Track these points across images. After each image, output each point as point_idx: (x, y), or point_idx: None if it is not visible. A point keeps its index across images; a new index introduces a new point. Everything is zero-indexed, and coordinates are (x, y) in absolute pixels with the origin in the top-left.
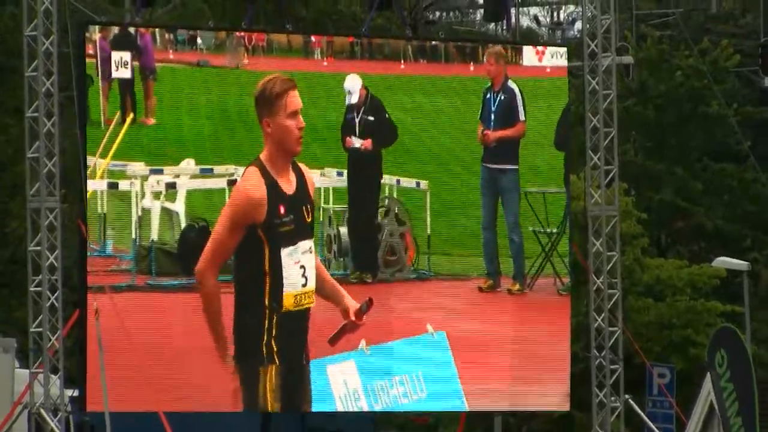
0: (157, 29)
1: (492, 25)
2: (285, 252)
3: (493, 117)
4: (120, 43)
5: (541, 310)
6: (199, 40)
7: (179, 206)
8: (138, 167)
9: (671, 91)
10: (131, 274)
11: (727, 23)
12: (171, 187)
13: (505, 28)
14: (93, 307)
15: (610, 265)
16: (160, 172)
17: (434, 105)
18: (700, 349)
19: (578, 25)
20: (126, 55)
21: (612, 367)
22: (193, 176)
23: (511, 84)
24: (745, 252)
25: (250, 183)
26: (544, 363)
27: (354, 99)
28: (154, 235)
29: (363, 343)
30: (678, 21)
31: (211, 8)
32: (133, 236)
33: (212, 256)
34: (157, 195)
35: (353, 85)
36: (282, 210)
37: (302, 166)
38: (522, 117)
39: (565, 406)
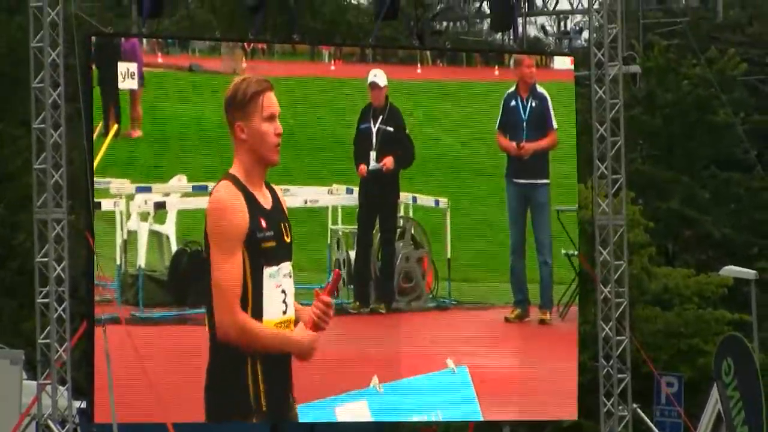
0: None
1: (499, 35)
2: (267, 273)
3: (525, 126)
4: (102, 47)
5: (566, 338)
6: (191, 42)
7: (169, 228)
8: (123, 185)
9: (678, 100)
10: (116, 304)
11: (734, 32)
12: (160, 206)
13: (512, 37)
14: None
15: (618, 274)
16: (148, 190)
17: (454, 113)
18: (708, 357)
19: (585, 34)
20: (133, 66)
21: (620, 376)
22: (185, 194)
23: (541, 89)
24: (753, 260)
25: (224, 194)
26: (553, 373)
27: (382, 81)
28: (142, 261)
29: (375, 379)
30: (685, 30)
31: (218, 19)
32: (118, 262)
33: (226, 301)
34: (144, 216)
35: (381, 77)
36: (263, 223)
37: (276, 187)
38: (554, 125)
39: (573, 416)
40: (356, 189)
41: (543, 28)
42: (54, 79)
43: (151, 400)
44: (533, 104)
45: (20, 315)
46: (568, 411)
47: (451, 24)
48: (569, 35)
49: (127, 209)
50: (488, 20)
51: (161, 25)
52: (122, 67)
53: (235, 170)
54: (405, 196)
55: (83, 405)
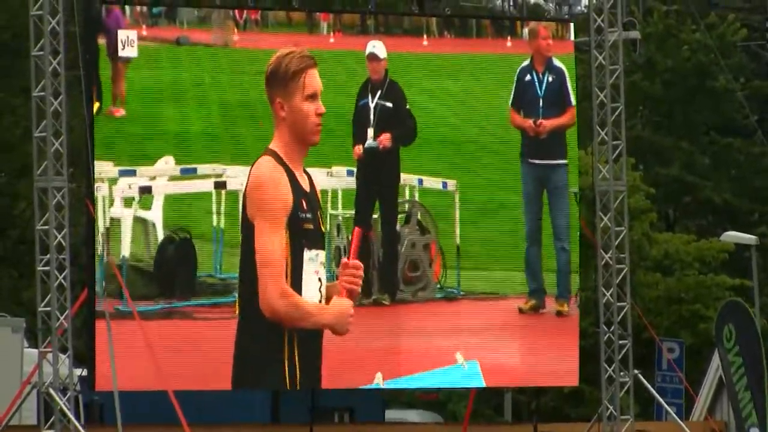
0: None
1: (499, 1)
2: (307, 256)
3: (542, 103)
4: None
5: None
6: (179, 13)
7: (156, 215)
8: (105, 168)
9: (678, 66)
10: (97, 297)
11: None
12: (145, 191)
13: (511, 3)
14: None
15: (618, 240)
16: (132, 173)
17: (464, 88)
18: (709, 323)
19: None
20: (132, 33)
21: (621, 342)
22: (173, 178)
23: (558, 62)
24: (753, 226)
25: (267, 169)
26: (554, 339)
27: (381, 53)
28: (126, 251)
29: (379, 376)
30: None
31: None
32: (100, 252)
33: (274, 278)
34: (128, 201)
35: (380, 49)
36: (304, 204)
37: (309, 170)
38: (572, 101)
39: (574, 382)
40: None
41: None
42: (54, 47)
43: (153, 367)
44: (550, 79)
45: (21, 284)
46: (569, 377)
47: None
48: (569, 1)
49: (110, 194)
50: None
51: None
52: (122, 34)
53: (275, 146)
54: (410, 178)
55: (84, 373)
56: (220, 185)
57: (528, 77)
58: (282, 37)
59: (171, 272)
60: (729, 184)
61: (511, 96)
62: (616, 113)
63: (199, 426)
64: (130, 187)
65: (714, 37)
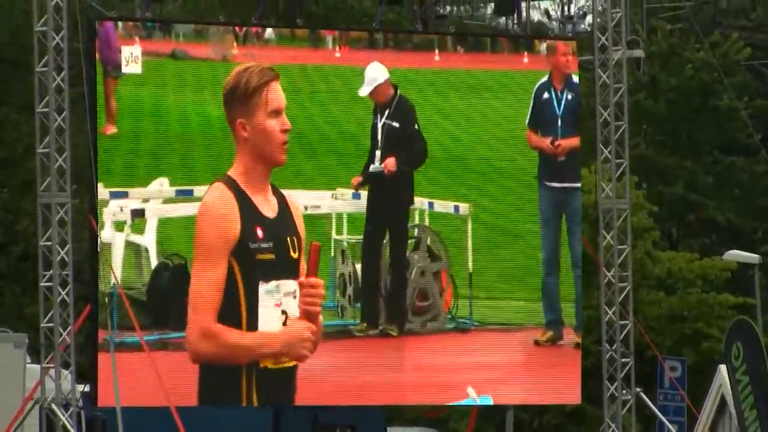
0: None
1: (503, 19)
2: (263, 288)
3: (560, 122)
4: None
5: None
6: (174, 25)
7: (149, 239)
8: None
9: (682, 85)
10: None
11: (738, 16)
12: (138, 214)
13: (515, 22)
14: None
15: (621, 258)
16: (124, 195)
17: (477, 106)
18: (712, 341)
19: (589, 18)
20: (136, 50)
21: (623, 360)
22: (167, 200)
23: (576, 80)
24: (756, 245)
25: (214, 198)
26: (556, 358)
27: (367, 91)
28: (117, 277)
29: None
30: (688, 14)
31: (222, 3)
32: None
33: (197, 319)
34: (120, 225)
35: (377, 73)
36: (260, 233)
37: (287, 193)
38: None
39: (576, 400)
40: (364, 193)
41: (546, 12)
42: (58, 63)
43: (155, 383)
44: (569, 97)
45: (24, 299)
46: (571, 395)
47: (455, 8)
48: (573, 19)
49: (101, 217)
50: (492, 4)
51: (164, 9)
52: (126, 51)
53: (233, 172)
54: (420, 201)
55: (87, 389)
56: None
57: (546, 95)
58: (284, 51)
59: (165, 300)
60: (732, 203)
61: (528, 114)
62: (620, 132)
63: None
64: (121, 210)
65: (718, 56)
